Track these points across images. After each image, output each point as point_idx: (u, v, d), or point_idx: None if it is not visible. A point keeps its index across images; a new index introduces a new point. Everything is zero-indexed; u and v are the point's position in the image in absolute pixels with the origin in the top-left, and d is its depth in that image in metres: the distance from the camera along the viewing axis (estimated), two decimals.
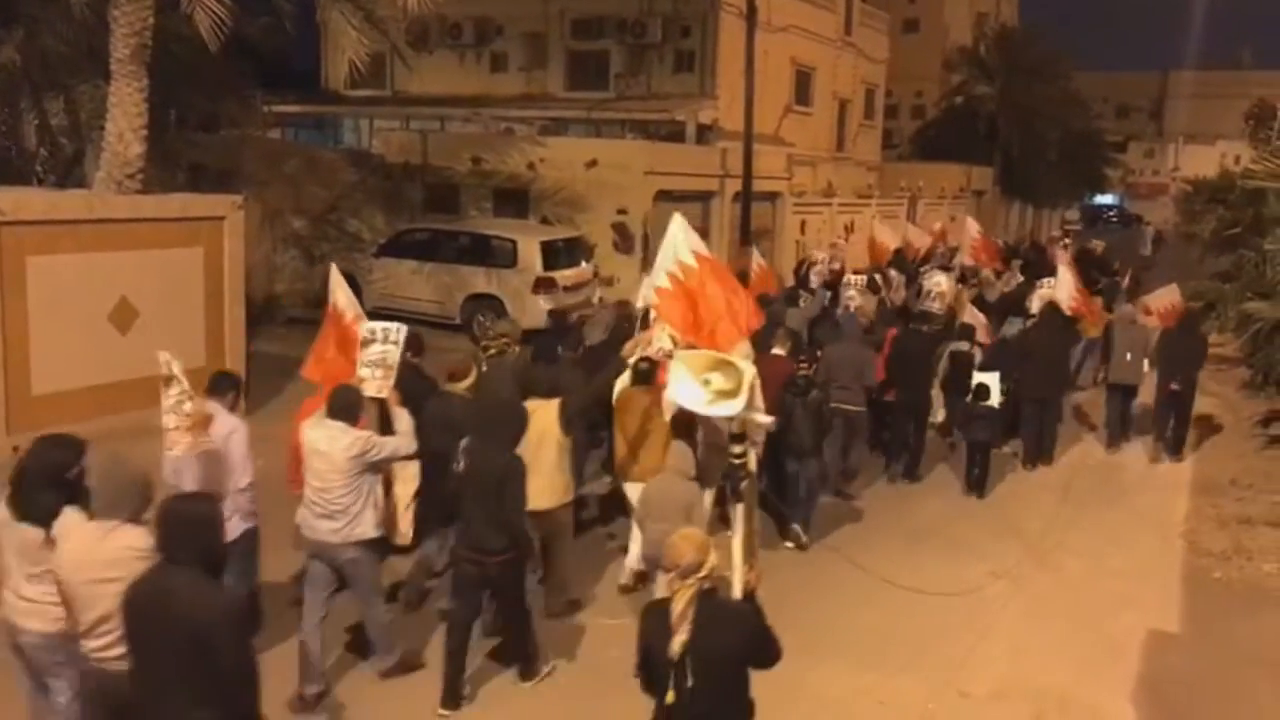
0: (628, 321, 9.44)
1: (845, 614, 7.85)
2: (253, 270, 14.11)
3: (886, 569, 8.66)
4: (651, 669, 4.23)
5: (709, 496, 7.62)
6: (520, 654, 6.57)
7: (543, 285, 17.19)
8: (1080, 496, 11.02)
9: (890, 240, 20.79)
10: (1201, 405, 15.44)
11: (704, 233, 23.17)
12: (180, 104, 15.60)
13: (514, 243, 17.66)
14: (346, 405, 6.23)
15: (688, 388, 5.34)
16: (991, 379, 10.75)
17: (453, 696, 6.26)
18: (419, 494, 7.10)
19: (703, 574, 4.11)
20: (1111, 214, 67.87)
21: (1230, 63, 77.57)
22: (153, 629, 4.02)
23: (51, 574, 4.52)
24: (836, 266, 17.33)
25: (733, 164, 22.55)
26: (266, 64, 17.44)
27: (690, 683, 4.05)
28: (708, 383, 5.24)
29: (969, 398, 10.90)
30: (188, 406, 6.13)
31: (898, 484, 11.10)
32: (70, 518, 4.56)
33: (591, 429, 8.75)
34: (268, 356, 14.35)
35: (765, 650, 4.26)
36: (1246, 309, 12.64)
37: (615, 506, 8.87)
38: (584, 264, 18.53)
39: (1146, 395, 12.98)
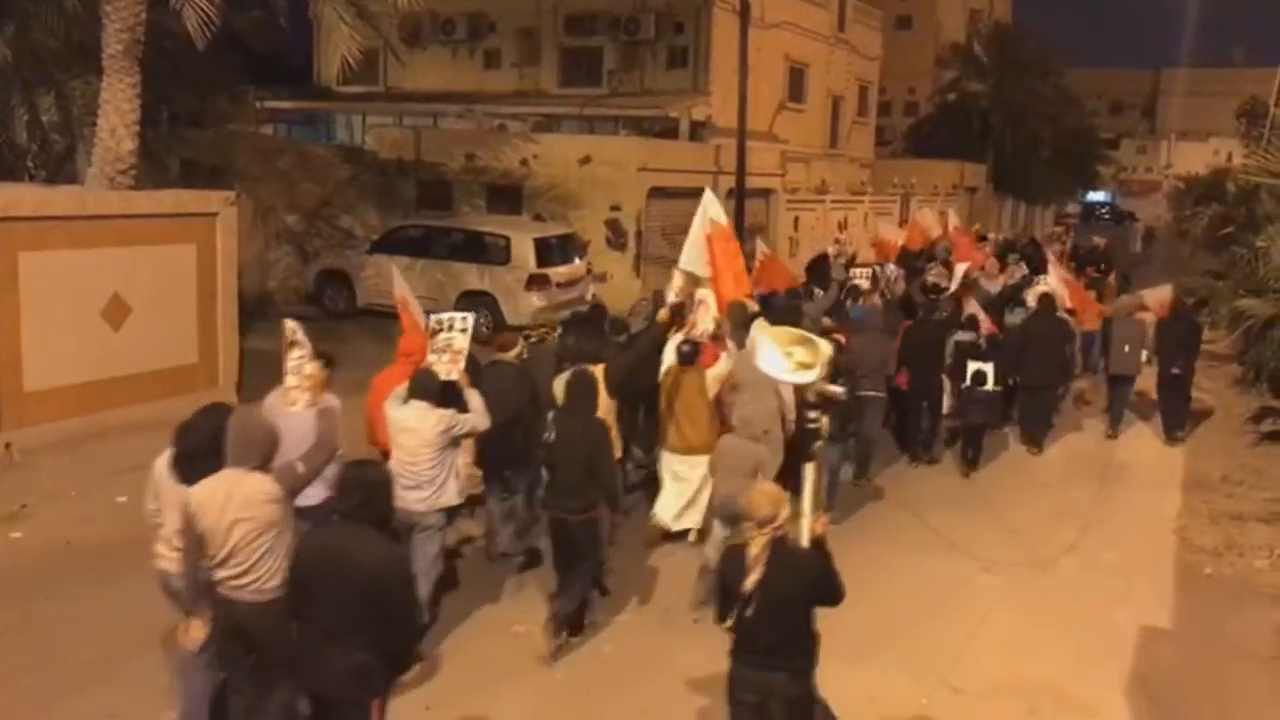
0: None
1: (836, 611, 7.83)
2: (245, 267, 14.07)
3: (878, 564, 8.69)
4: (728, 603, 4.90)
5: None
6: (565, 610, 6.95)
7: (536, 282, 17.17)
8: (1073, 493, 11.05)
9: (895, 237, 20.88)
10: (1193, 401, 15.57)
11: None
12: (172, 100, 15.54)
13: (507, 239, 17.63)
14: (427, 388, 6.92)
15: (774, 359, 5.92)
16: (989, 366, 11.30)
17: (567, 621, 7.00)
18: (480, 454, 7.90)
19: (776, 524, 4.84)
20: (1104, 211, 68.04)
21: (1222, 60, 77.70)
22: (328, 580, 4.59)
23: (182, 528, 5.12)
24: (844, 262, 17.34)
25: (726, 160, 22.55)
26: (259, 60, 17.38)
27: (750, 613, 4.74)
28: (790, 355, 5.81)
29: (967, 383, 11.37)
30: (309, 368, 6.80)
31: (917, 467, 11.65)
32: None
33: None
34: (260, 353, 14.28)
35: (828, 592, 4.94)
36: (1239, 306, 12.69)
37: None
38: (577, 260, 18.51)
39: (1143, 384, 13.59)
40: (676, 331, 8.82)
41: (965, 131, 44.68)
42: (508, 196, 21.13)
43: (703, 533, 8.32)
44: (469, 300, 17.51)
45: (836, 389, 7.38)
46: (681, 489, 8.48)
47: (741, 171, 21.27)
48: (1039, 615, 8.00)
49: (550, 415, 7.33)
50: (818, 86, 34.79)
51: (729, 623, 4.84)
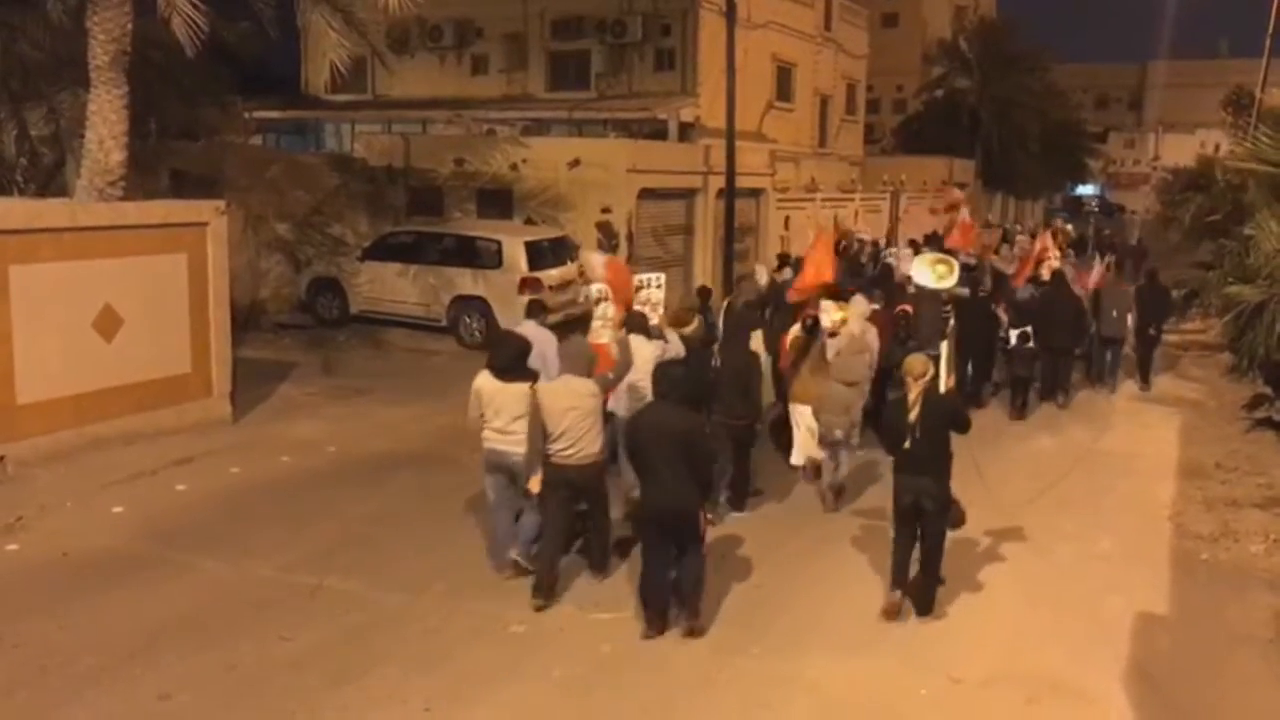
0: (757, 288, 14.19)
1: (835, 602, 7.88)
2: (237, 276, 14.05)
3: (877, 557, 8.74)
4: (893, 436, 7.55)
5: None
6: (740, 491, 9.75)
7: (528, 285, 17.17)
8: (1068, 482, 11.08)
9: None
10: (1186, 390, 15.70)
11: (688, 229, 23.29)
12: (161, 111, 15.54)
13: (499, 244, 17.64)
14: (641, 326, 9.52)
15: (924, 273, 9.96)
16: (1029, 330, 13.68)
17: (741, 500, 9.77)
18: None
19: (927, 378, 7.48)
20: (1093, 204, 68.24)
21: (1208, 52, 77.82)
22: (659, 438, 7.01)
23: (528, 417, 7.49)
24: (869, 250, 21.30)
25: (715, 161, 22.55)
26: (247, 70, 17.37)
27: (918, 436, 7.30)
28: (935, 269, 9.67)
29: (1014, 342, 13.82)
30: (610, 312, 9.91)
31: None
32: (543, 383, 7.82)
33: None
34: (253, 362, 14.34)
35: (960, 422, 7.66)
36: (1229, 292, 12.74)
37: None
38: (569, 263, 18.52)
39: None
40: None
41: (953, 128, 44.74)
42: (498, 201, 21.09)
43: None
44: (462, 304, 17.55)
45: (963, 290, 11.70)
46: (807, 431, 10.41)
47: (731, 172, 21.27)
48: (1036, 604, 8.02)
49: (716, 348, 10.00)
50: (805, 86, 34.81)
51: (907, 445, 7.33)
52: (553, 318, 16.75)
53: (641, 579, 7.29)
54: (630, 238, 20.79)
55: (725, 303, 13.28)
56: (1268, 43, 24.25)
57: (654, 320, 10.08)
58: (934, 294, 12.92)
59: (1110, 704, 6.58)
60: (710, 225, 23.22)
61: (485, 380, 7.84)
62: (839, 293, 11.39)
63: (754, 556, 8.63)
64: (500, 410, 7.73)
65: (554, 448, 7.47)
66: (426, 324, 17.86)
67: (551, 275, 17.60)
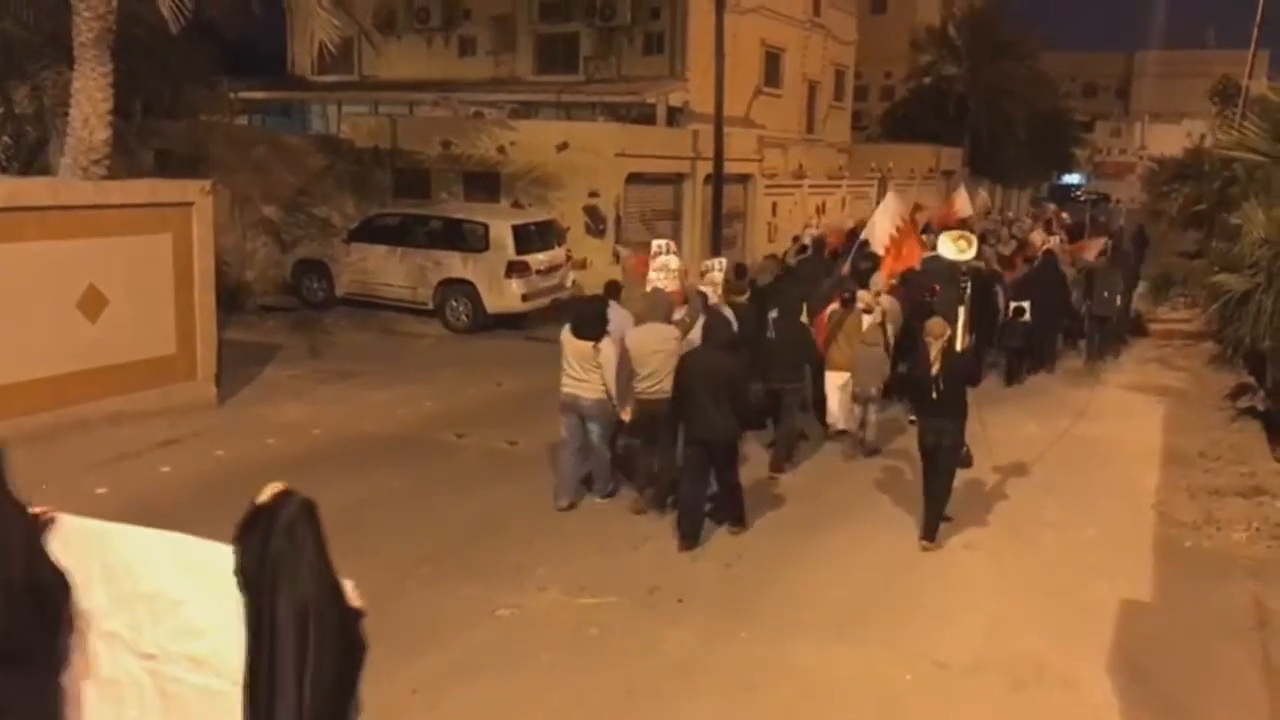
0: (780, 267, 15.23)
1: (819, 588, 7.90)
2: (223, 257, 13.94)
3: (864, 543, 8.77)
4: (916, 386, 8.96)
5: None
6: (784, 450, 10.68)
7: (515, 269, 17.14)
8: (1053, 469, 11.12)
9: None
10: (1171, 379, 15.79)
11: (676, 214, 23.29)
12: (146, 90, 15.38)
13: (486, 226, 17.56)
14: (705, 305, 10.74)
15: (948, 248, 11.06)
16: (1026, 304, 14.87)
17: (787, 457, 10.74)
18: None
19: (945, 337, 8.68)
20: (1078, 193, 68.42)
21: (1195, 42, 77.91)
22: (703, 377, 8.21)
23: (599, 369, 8.81)
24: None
25: (704, 146, 22.52)
26: (232, 49, 17.22)
27: (941, 388, 8.46)
28: (956, 244, 10.95)
29: (1009, 316, 14.97)
30: (674, 264, 11.21)
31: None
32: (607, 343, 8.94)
33: None
34: (240, 345, 14.27)
35: (974, 377, 9.23)
36: (1215, 281, 12.78)
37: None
38: (557, 247, 18.48)
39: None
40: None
41: (941, 115, 44.69)
42: (485, 184, 21.04)
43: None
44: (448, 287, 17.48)
45: (978, 263, 13.07)
46: (842, 397, 11.44)
47: (719, 157, 21.24)
48: (1021, 590, 8.07)
49: (771, 318, 10.91)
50: (794, 71, 34.72)
51: (934, 395, 8.50)
52: (539, 301, 17.13)
53: (680, 501, 8.59)
54: (618, 222, 20.77)
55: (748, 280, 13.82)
56: (1255, 33, 24.32)
57: (713, 299, 11.18)
58: (951, 267, 13.49)
59: (1094, 689, 6.62)
60: (698, 210, 23.21)
61: (565, 335, 9.13)
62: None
63: (744, 538, 8.67)
64: (573, 361, 9.00)
65: (641, 385, 8.87)
66: (413, 307, 17.80)
67: (539, 258, 17.57)
